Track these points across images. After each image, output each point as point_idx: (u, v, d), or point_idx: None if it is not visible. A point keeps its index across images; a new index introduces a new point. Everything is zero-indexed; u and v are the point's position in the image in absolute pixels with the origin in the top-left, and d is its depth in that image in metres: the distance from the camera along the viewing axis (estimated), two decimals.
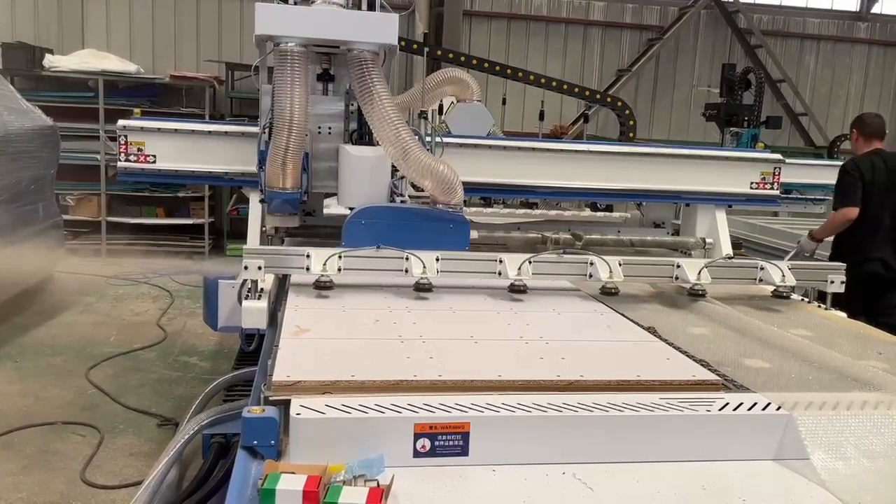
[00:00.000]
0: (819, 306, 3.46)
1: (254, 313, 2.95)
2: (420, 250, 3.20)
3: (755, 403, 2.01)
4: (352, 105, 3.88)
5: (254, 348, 3.12)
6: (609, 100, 9.18)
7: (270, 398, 1.90)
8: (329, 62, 3.85)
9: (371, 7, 3.76)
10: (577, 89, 9.06)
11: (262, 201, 3.87)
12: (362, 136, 3.91)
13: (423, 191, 3.79)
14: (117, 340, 6.16)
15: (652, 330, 2.74)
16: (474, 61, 8.46)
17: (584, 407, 1.93)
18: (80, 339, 6.15)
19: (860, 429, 1.96)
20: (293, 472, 1.62)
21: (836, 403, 2.03)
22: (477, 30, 11.91)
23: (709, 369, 2.29)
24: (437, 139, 4.05)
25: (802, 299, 3.57)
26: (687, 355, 2.43)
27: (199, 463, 3.30)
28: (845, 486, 1.80)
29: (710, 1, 12.16)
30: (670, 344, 2.56)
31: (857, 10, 13.19)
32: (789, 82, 12.31)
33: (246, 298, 3.00)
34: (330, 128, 3.88)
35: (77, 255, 8.87)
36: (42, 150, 7.00)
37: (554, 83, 8.85)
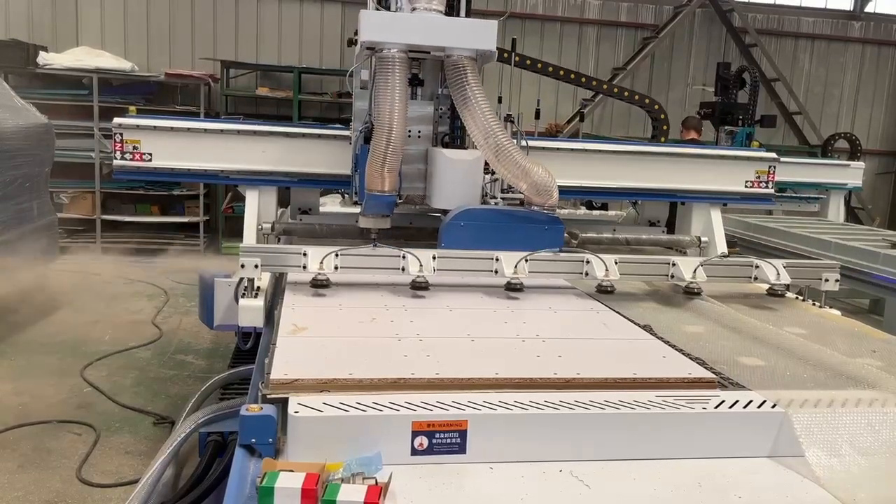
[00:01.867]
0: (813, 304, 3.48)
1: (250, 311, 2.97)
2: (515, 251, 3.26)
3: (750, 401, 2.03)
4: (440, 109, 3.97)
5: (250, 347, 3.13)
6: (647, 101, 9.32)
7: (268, 396, 1.91)
8: (419, 67, 3.93)
9: (467, 14, 3.86)
10: (616, 90, 9.39)
11: (355, 203, 3.95)
12: (454, 139, 3.99)
13: (509, 192, 3.89)
14: (112, 339, 6.14)
15: (648, 328, 2.75)
16: (539, 64, 8.76)
17: (580, 405, 1.94)
18: (75, 337, 6.14)
19: (855, 426, 1.97)
20: (291, 470, 1.63)
21: (830, 401, 2.05)
22: None
23: (705, 367, 2.30)
24: (523, 143, 4.09)
25: (797, 297, 3.59)
26: (683, 353, 2.44)
27: (195, 461, 3.30)
28: (840, 482, 1.81)
29: (704, 0, 12.18)
30: (666, 342, 2.57)
31: (851, 9, 13.23)
32: (784, 81, 12.34)
33: (242, 296, 3.01)
34: (420, 131, 3.95)
35: (72, 253, 8.85)
36: (36, 147, 6.98)
37: (595, 82, 9.18)
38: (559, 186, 4.61)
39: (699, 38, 12.63)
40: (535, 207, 3.66)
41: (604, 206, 5.64)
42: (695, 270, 3.37)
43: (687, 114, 12.11)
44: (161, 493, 3.06)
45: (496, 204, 3.87)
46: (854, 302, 7.90)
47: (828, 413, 1.99)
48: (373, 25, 3.52)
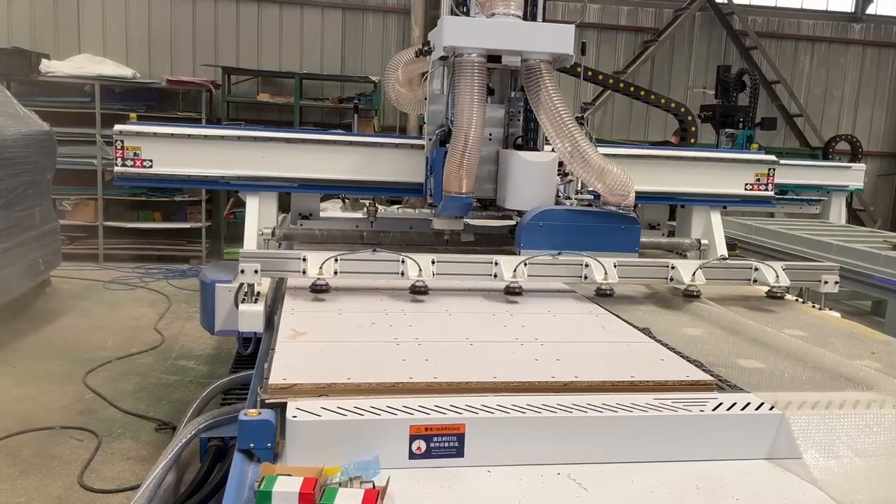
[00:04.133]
0: (813, 306, 3.48)
1: (251, 317, 2.98)
2: (593, 252, 3.33)
3: (748, 403, 2.03)
4: (511, 111, 4.04)
5: (251, 352, 3.15)
6: (679, 107, 9.43)
7: (267, 401, 1.91)
8: (489, 77, 3.95)
9: (544, 18, 3.97)
10: (652, 97, 9.62)
11: (431, 206, 4.02)
12: (527, 141, 4.04)
13: (580, 193, 3.95)
14: (114, 345, 6.16)
15: (646, 331, 2.75)
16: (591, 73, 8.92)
17: (578, 408, 1.94)
18: (77, 343, 6.16)
19: (852, 428, 1.97)
20: (289, 475, 1.63)
21: (828, 403, 2.04)
22: None
23: (702, 370, 2.30)
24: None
25: (797, 300, 3.59)
26: (681, 356, 2.44)
27: (196, 466, 3.30)
28: (838, 484, 1.82)
29: (704, 2, 12.19)
30: (664, 345, 2.57)
31: (852, 11, 13.23)
32: (784, 83, 12.35)
33: (243, 302, 3.02)
34: (490, 134, 4.02)
35: (74, 260, 8.87)
36: (39, 155, 7.01)
37: (643, 92, 9.44)
38: None
39: (699, 41, 12.65)
40: (612, 208, 3.67)
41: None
42: (694, 273, 3.36)
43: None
44: (162, 498, 3.07)
45: (571, 205, 3.90)
46: (855, 304, 7.90)
47: (826, 415, 1.99)
48: (456, 30, 3.60)
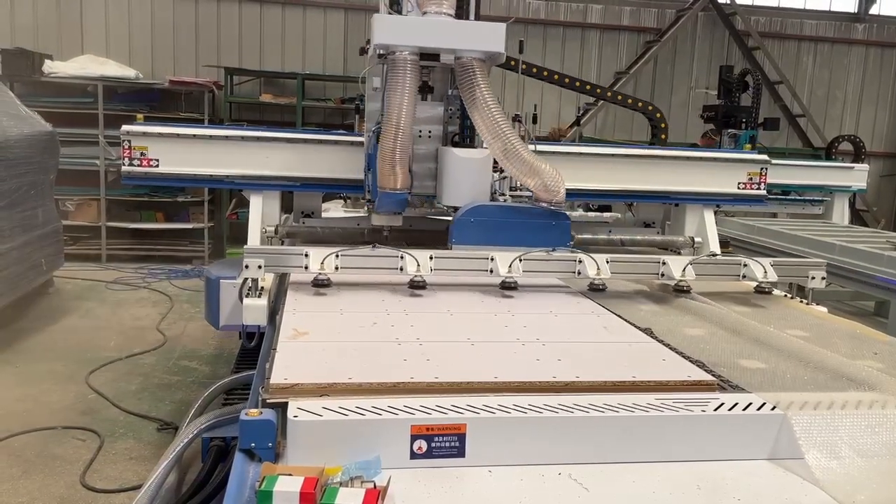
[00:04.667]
0: (801, 301, 3.55)
1: (254, 310, 3.06)
2: (523, 247, 3.36)
3: (750, 403, 2.02)
4: (450, 109, 4.07)
5: (254, 345, 3.21)
6: (650, 108, 9.33)
7: (268, 401, 1.91)
8: (428, 76, 4.04)
9: (477, 17, 4.01)
10: (619, 96, 9.41)
11: (369, 202, 4.06)
12: (463, 139, 4.08)
13: (516, 190, 4.00)
14: (117, 345, 6.17)
15: (648, 331, 2.75)
16: (544, 72, 8.72)
17: (579, 408, 1.94)
18: (79, 343, 6.16)
19: (854, 428, 1.97)
20: (290, 474, 1.63)
21: (830, 403, 2.04)
22: None
23: (704, 370, 2.30)
24: (532, 146, 4.16)
25: (785, 295, 3.67)
26: (683, 356, 2.44)
27: (198, 466, 3.30)
28: (840, 485, 1.81)
29: (707, 3, 12.18)
30: (666, 345, 2.57)
31: (855, 11, 13.21)
32: (787, 84, 12.33)
33: (247, 296, 3.10)
34: (430, 131, 4.08)
35: (77, 260, 8.89)
36: (41, 155, 7.02)
37: (599, 90, 9.24)
38: None
39: (702, 42, 12.63)
40: (543, 204, 3.73)
41: (606, 208, 5.70)
42: (684, 269, 3.43)
43: (690, 117, 12.15)
44: (164, 498, 3.07)
45: (505, 201, 3.95)
46: (858, 304, 7.88)
47: (828, 415, 1.99)
48: (386, 28, 3.65)
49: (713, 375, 2.26)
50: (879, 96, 13.30)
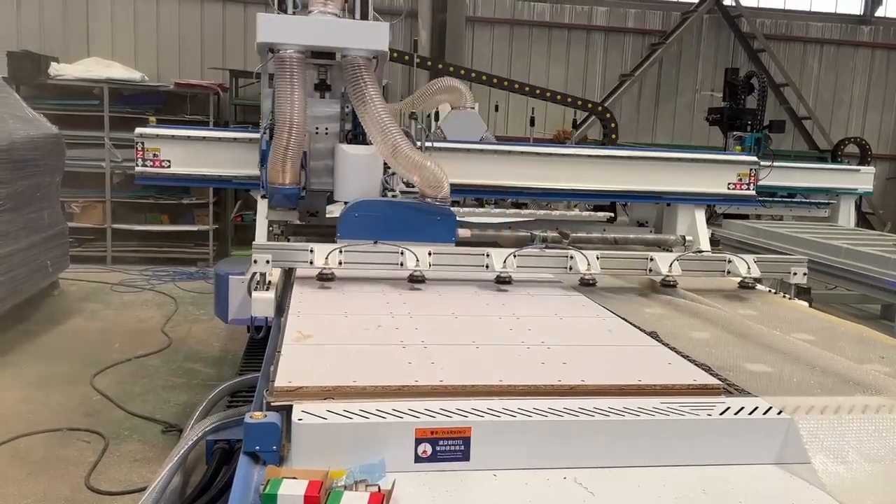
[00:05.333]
0: (784, 296, 3.68)
1: (262, 303, 3.15)
2: (410, 241, 3.45)
3: (756, 408, 2.01)
4: (347, 107, 4.14)
5: (262, 336, 3.32)
6: (598, 108, 9.13)
7: (272, 403, 1.91)
8: (326, 73, 4.16)
9: (364, 16, 4.08)
10: (569, 98, 9.03)
11: (263, 197, 4.17)
12: (357, 135, 4.16)
13: (413, 187, 4.06)
14: (122, 347, 6.18)
15: (654, 334, 2.74)
16: (469, 73, 8.45)
17: (585, 412, 1.93)
18: (84, 345, 6.18)
19: (862, 432, 1.96)
20: (295, 478, 1.63)
21: (837, 407, 2.03)
22: (480, 36, 11.94)
23: (710, 374, 2.29)
24: (428, 143, 4.37)
25: (769, 290, 3.79)
26: (688, 360, 2.43)
27: (202, 469, 3.30)
28: (847, 489, 1.80)
29: (712, 5, 12.16)
30: (672, 348, 2.56)
31: (861, 13, 13.18)
32: (793, 86, 12.30)
33: (255, 289, 3.19)
34: (327, 128, 4.18)
35: (82, 262, 8.91)
36: (47, 157, 7.04)
37: (548, 93, 8.75)
38: (554, 190, 5.05)
39: (707, 44, 12.62)
40: (429, 200, 3.87)
41: (607, 210, 5.79)
42: (671, 265, 3.59)
43: (696, 120, 12.13)
44: (169, 500, 3.07)
45: (393, 197, 4.06)
46: (865, 308, 7.85)
47: (835, 419, 1.98)
48: (269, 27, 3.77)
49: (719, 379, 2.25)
50: (886, 98, 13.26)
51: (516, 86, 8.57)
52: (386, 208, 3.83)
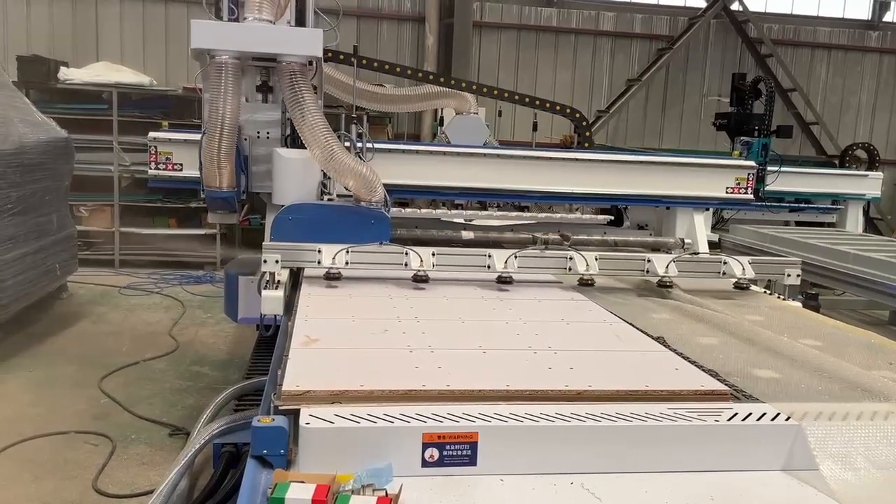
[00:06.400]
0: (778, 297, 3.75)
1: (272, 301, 3.21)
2: (340, 243, 3.51)
3: (764, 414, 2.01)
4: (287, 113, 4.19)
5: (271, 334, 3.51)
6: (568, 111, 9.02)
7: (280, 407, 1.92)
8: (267, 74, 4.23)
9: (301, 23, 4.18)
10: (538, 101, 8.88)
11: (202, 199, 4.26)
12: (295, 140, 4.24)
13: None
14: (129, 350, 6.19)
15: (661, 340, 2.74)
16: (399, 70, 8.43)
17: (592, 417, 1.93)
18: (92, 348, 6.20)
19: (870, 439, 1.95)
20: (302, 482, 1.64)
21: (845, 414, 2.02)
22: (487, 40, 11.96)
23: (717, 379, 2.29)
24: (368, 144, 4.48)
25: (764, 291, 3.87)
26: (696, 365, 2.43)
27: (209, 472, 3.31)
28: (855, 496, 1.80)
29: (719, 10, 12.16)
30: (679, 354, 2.55)
31: (869, 18, 13.15)
32: (800, 91, 12.27)
33: (265, 288, 3.26)
34: (268, 133, 4.28)
35: (90, 266, 8.94)
36: (56, 161, 7.08)
37: (517, 96, 8.54)
38: (555, 193, 5.14)
39: (714, 49, 12.61)
40: (364, 203, 3.95)
41: (616, 215, 5.85)
42: (667, 266, 3.67)
43: (703, 125, 12.12)
44: (175, 503, 3.08)
45: (329, 200, 4.11)
46: (873, 314, 7.82)
47: (843, 426, 1.98)
48: (203, 34, 3.83)
49: (726, 385, 2.25)
50: (894, 104, 13.22)
51: (495, 92, 8.48)
52: (319, 212, 3.91)
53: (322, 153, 3.85)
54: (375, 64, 8.09)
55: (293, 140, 4.25)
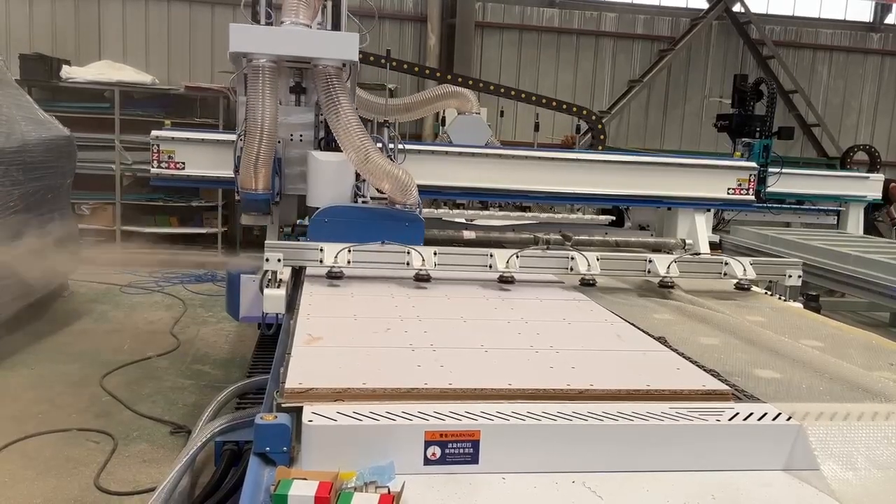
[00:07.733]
0: (779, 298, 3.76)
1: (274, 300, 3.23)
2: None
3: (765, 414, 2.01)
4: (321, 115, 4.22)
5: (272, 334, 3.49)
6: (591, 116, 9.08)
7: (283, 405, 1.92)
8: (301, 76, 4.26)
9: (336, 27, 4.21)
10: (552, 102, 8.95)
11: (237, 201, 4.24)
12: (329, 143, 4.25)
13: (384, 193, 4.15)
14: (131, 348, 6.20)
15: (662, 340, 2.74)
16: (465, 80, 8.41)
17: (593, 416, 1.94)
18: (94, 346, 6.21)
19: (871, 439, 1.96)
20: (305, 479, 1.64)
21: (846, 414, 2.03)
22: (488, 41, 11.97)
23: (719, 379, 2.29)
24: (400, 146, 4.49)
25: (765, 292, 3.87)
26: (697, 365, 2.43)
27: (211, 470, 3.32)
28: (856, 496, 1.80)
29: (721, 11, 12.16)
30: (681, 354, 2.56)
31: (870, 20, 13.15)
32: (802, 93, 12.28)
33: (267, 287, 3.28)
34: (301, 136, 4.31)
35: (92, 264, 8.95)
36: (58, 160, 7.09)
37: (535, 97, 8.61)
38: (556, 193, 5.17)
39: (716, 50, 12.62)
40: (398, 206, 3.96)
41: (619, 215, 5.87)
42: (668, 266, 3.67)
43: (704, 126, 12.12)
44: (177, 501, 3.09)
45: (364, 203, 4.14)
46: (874, 315, 7.82)
47: (844, 426, 1.98)
48: (241, 37, 3.85)
49: (728, 385, 2.25)
50: (895, 106, 13.22)
51: (513, 92, 8.57)
52: (355, 214, 3.93)
53: (357, 155, 3.85)
54: (405, 66, 8.18)
55: (327, 143, 4.26)
